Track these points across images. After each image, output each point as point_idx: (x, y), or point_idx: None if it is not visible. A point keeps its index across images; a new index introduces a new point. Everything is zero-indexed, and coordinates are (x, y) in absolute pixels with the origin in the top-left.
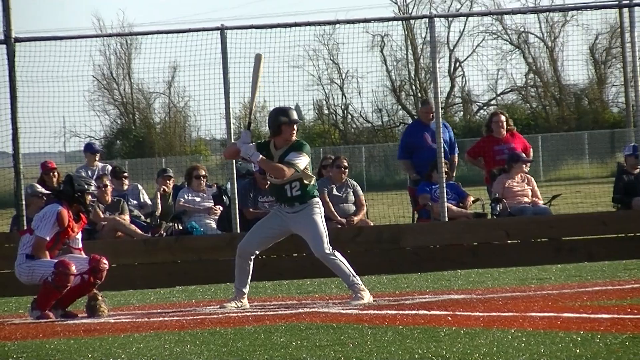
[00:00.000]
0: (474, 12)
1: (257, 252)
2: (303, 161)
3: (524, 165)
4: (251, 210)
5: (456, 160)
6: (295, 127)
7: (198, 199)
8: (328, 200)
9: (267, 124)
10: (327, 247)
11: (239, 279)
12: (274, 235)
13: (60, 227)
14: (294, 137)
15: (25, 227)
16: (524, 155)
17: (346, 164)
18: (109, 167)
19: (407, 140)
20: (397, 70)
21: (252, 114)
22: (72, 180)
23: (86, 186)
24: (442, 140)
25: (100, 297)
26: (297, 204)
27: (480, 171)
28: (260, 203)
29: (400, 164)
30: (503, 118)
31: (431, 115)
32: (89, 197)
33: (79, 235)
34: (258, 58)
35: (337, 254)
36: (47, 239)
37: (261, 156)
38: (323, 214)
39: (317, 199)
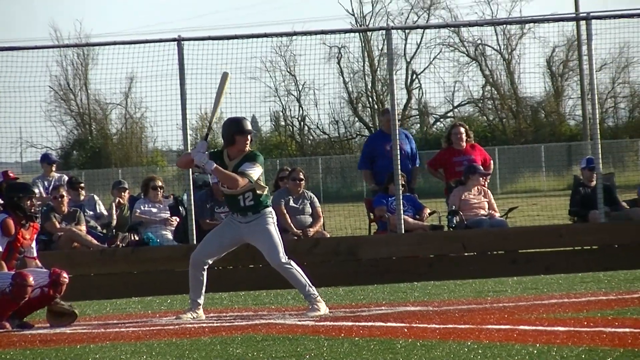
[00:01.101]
0: (430, 24)
1: (210, 262)
2: (256, 172)
3: (482, 178)
4: (208, 221)
5: (417, 171)
6: (249, 137)
7: (154, 210)
8: (285, 211)
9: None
10: (283, 257)
11: (193, 290)
12: (226, 245)
13: (7, 236)
14: (248, 148)
15: None
16: (481, 167)
17: (302, 176)
18: (66, 178)
19: (368, 149)
20: (354, 82)
21: (211, 126)
22: (7, 188)
23: (20, 193)
24: (399, 152)
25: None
26: (250, 214)
27: (438, 183)
28: (217, 214)
29: (361, 174)
30: (462, 130)
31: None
32: (30, 202)
33: (34, 244)
34: (225, 76)
35: (293, 263)
36: (0, 249)
37: (215, 165)
38: (276, 223)
39: (270, 209)
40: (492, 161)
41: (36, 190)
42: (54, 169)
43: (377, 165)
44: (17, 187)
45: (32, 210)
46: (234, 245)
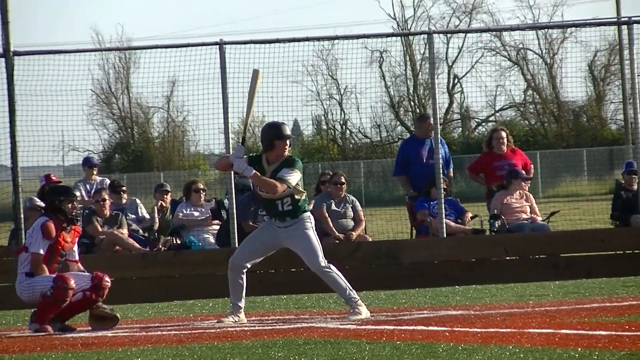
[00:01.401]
0: (472, 28)
1: (249, 266)
2: (295, 177)
3: (523, 183)
4: (251, 223)
5: (452, 175)
6: (288, 142)
7: (196, 213)
8: (327, 215)
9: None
10: (322, 261)
11: (233, 294)
12: (264, 249)
13: (48, 239)
14: (287, 153)
15: (24, 241)
16: (523, 172)
17: (343, 180)
18: (108, 181)
19: (402, 156)
20: (396, 86)
21: (248, 129)
22: (49, 191)
23: (62, 196)
24: (430, 157)
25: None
26: (288, 219)
27: (479, 187)
28: (260, 216)
29: (397, 180)
30: (503, 134)
31: (430, 130)
32: (71, 205)
33: (75, 248)
34: (255, 74)
35: (333, 267)
36: (42, 252)
37: (254, 171)
38: (314, 227)
39: (309, 214)
40: (532, 165)
41: (77, 194)
42: (95, 172)
43: (412, 171)
44: (58, 190)
45: (74, 213)
46: (272, 249)
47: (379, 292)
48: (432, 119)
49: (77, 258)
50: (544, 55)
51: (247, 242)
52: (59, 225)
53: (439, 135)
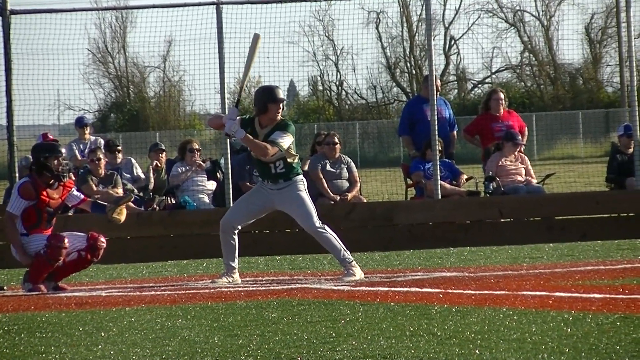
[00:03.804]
0: None
1: (240, 227)
2: (287, 141)
3: (517, 147)
4: (247, 184)
5: (455, 136)
6: (281, 106)
7: (191, 173)
8: (321, 176)
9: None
10: (317, 222)
11: (226, 254)
12: (256, 212)
13: (27, 199)
14: (280, 116)
15: None
16: (519, 137)
17: (337, 140)
18: (102, 141)
19: (407, 115)
20: (392, 47)
21: (243, 91)
22: (34, 148)
23: (47, 153)
24: (436, 118)
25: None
26: (281, 181)
27: (475, 149)
28: (255, 177)
29: (402, 140)
30: (502, 95)
31: (437, 90)
32: (57, 162)
33: (77, 192)
34: (256, 37)
35: (327, 228)
36: (15, 213)
37: (246, 134)
38: (307, 190)
39: (301, 176)
40: (526, 128)
41: (63, 151)
42: (87, 131)
43: (416, 130)
44: (43, 147)
45: (59, 170)
46: (264, 212)
47: (373, 254)
48: (438, 80)
49: (82, 197)
50: (541, 17)
51: (239, 203)
52: (43, 182)
53: (435, 96)
